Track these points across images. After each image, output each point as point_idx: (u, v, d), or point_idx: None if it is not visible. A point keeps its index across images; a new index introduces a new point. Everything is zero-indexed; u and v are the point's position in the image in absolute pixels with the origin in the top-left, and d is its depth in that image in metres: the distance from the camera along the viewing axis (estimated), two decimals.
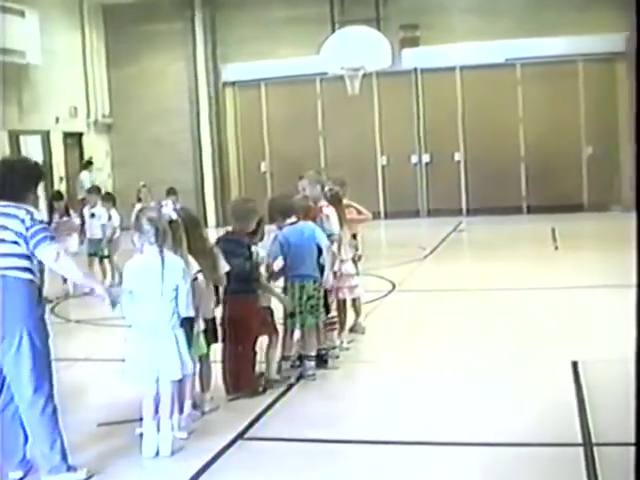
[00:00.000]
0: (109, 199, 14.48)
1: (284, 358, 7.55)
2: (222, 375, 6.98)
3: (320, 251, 7.44)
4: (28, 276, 5.15)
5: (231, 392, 6.93)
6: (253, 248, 6.95)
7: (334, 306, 8.24)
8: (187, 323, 5.88)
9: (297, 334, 7.55)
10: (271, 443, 6.02)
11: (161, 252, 5.58)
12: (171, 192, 15.19)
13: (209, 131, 23.15)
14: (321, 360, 7.68)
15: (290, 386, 7.24)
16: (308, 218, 7.68)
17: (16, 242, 5.14)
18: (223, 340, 6.93)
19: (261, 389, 7.03)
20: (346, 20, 20.78)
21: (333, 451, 5.83)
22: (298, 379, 7.35)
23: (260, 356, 7.21)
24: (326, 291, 7.77)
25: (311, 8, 21.31)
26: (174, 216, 5.97)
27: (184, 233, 5.98)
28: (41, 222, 5.21)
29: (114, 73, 22.96)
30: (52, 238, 5.20)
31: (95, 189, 14.73)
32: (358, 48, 19.03)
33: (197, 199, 22.62)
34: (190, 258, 6.03)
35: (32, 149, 20.01)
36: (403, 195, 22.06)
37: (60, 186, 20.46)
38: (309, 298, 7.38)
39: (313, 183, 8.42)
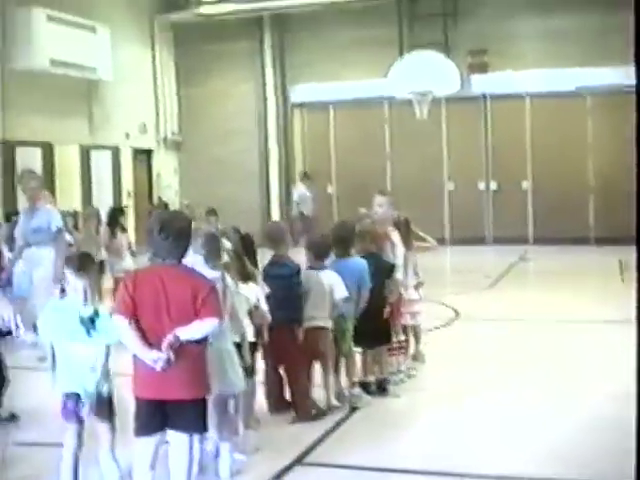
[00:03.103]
0: None
1: (353, 384, 7.50)
2: (266, 398, 7.05)
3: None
4: None
5: (273, 413, 6.99)
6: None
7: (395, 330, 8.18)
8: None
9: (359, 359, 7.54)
10: (328, 469, 5.98)
11: (217, 269, 5.60)
12: (211, 213, 15.18)
13: (277, 152, 23.26)
14: (381, 388, 7.64)
15: (352, 412, 7.20)
16: (375, 243, 7.67)
17: None
18: (266, 363, 6.95)
19: (312, 414, 6.97)
20: (414, 44, 20.73)
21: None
22: (353, 407, 7.30)
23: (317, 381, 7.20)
24: (388, 318, 7.74)
25: (379, 31, 21.31)
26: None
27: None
28: None
29: (184, 91, 23.19)
30: None
31: (162, 205, 14.87)
32: (426, 72, 18.95)
33: (263, 220, 22.67)
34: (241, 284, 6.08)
35: (102, 164, 20.29)
36: (469, 222, 21.86)
37: (128, 201, 20.71)
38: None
39: (391, 205, 8.38)
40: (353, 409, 7.26)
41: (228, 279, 5.69)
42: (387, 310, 7.71)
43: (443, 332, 10.56)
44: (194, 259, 5.48)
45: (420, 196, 20.58)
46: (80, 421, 5.10)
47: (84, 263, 5.02)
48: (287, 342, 6.83)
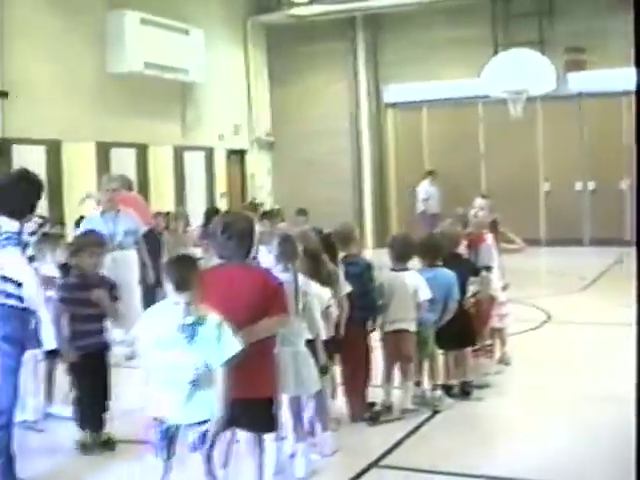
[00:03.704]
0: (267, 217, 14.66)
1: (435, 387, 7.40)
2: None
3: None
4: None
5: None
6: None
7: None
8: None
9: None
10: (404, 472, 5.88)
11: (290, 271, 5.53)
12: (301, 213, 15.15)
13: (370, 152, 23.18)
14: (463, 391, 7.52)
15: (433, 415, 7.09)
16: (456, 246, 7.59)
17: None
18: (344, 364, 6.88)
19: (365, 417, 6.87)
20: (509, 42, 20.41)
21: None
22: (435, 410, 7.18)
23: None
24: (472, 319, 7.61)
25: (473, 30, 21.05)
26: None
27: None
28: (7, 232, 5.24)
29: (276, 92, 23.29)
30: (15, 243, 5.22)
31: (250, 206, 14.93)
32: (521, 71, 18.62)
33: (355, 220, 22.63)
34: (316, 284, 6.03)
35: (196, 165, 20.50)
36: (565, 222, 21.41)
37: (221, 202, 20.88)
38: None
39: (490, 208, 8.28)
40: (435, 412, 7.14)
41: (301, 280, 5.61)
42: (471, 300, 7.56)
43: (532, 335, 10.34)
44: (268, 260, 5.46)
45: (515, 196, 20.27)
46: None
47: (184, 279, 4.42)
48: (356, 339, 6.74)
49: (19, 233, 5.26)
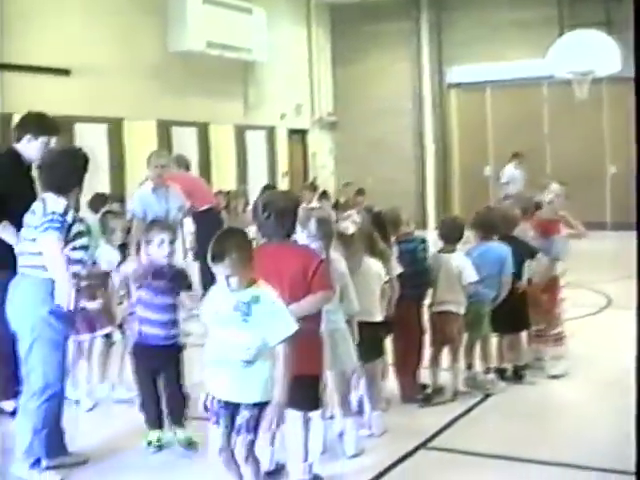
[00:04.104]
0: (325, 197, 14.68)
1: (488, 370, 7.33)
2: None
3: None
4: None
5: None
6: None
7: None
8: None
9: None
10: (451, 455, 5.84)
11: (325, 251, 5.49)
12: (359, 193, 15.14)
13: (432, 132, 23.02)
14: (517, 375, 7.44)
15: (485, 398, 7.02)
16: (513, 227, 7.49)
17: (30, 240, 5.28)
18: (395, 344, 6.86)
19: (416, 398, 6.84)
20: (575, 23, 20.04)
21: (509, 468, 5.57)
22: (487, 393, 7.11)
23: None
24: (526, 303, 7.52)
25: (538, 10, 20.71)
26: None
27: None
28: (52, 213, 5.20)
29: (339, 71, 23.22)
30: (56, 228, 5.17)
31: (310, 186, 14.93)
32: (587, 52, 18.30)
33: (417, 201, 22.55)
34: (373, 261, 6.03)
35: (257, 144, 20.55)
36: (631, 206, 20.92)
37: (283, 182, 20.92)
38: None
39: (567, 195, 8.17)
40: (487, 395, 7.08)
41: (337, 260, 5.57)
42: (522, 284, 7.45)
43: (591, 320, 10.18)
44: (302, 240, 5.44)
45: (580, 179, 19.87)
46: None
47: (219, 250, 4.30)
48: (408, 319, 6.72)
49: (64, 214, 5.23)
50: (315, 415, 5.58)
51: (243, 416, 4.37)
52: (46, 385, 5.25)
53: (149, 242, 5.89)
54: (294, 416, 4.97)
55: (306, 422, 5.04)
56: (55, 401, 5.37)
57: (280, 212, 4.92)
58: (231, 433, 4.45)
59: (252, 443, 4.43)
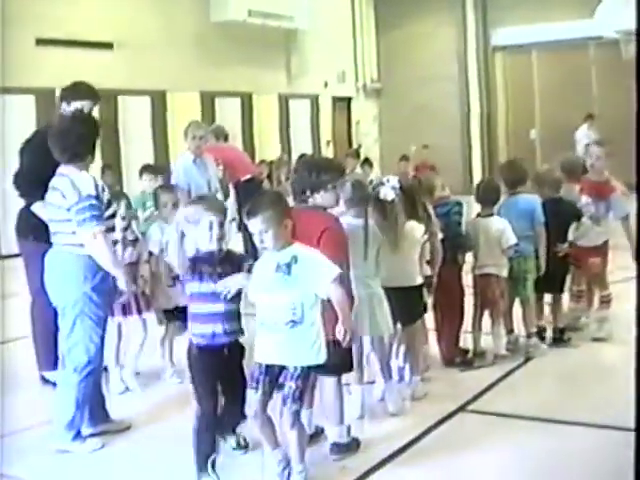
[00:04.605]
0: (367, 164, 14.65)
1: (529, 334, 7.27)
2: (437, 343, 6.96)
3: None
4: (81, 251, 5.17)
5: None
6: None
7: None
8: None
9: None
10: (490, 417, 5.84)
11: (363, 217, 5.49)
12: (403, 158, 15.07)
13: (478, 97, 22.81)
14: (559, 337, 7.40)
15: (526, 361, 7.00)
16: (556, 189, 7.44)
17: (63, 220, 5.19)
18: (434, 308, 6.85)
19: (455, 362, 6.84)
20: None
21: (550, 430, 5.53)
22: (528, 357, 7.09)
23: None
24: (567, 265, 7.47)
25: None
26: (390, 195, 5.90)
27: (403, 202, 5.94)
28: (88, 197, 5.10)
29: (382, 37, 23.05)
30: (93, 217, 5.07)
31: (353, 153, 14.90)
32: (634, 10, 17.94)
33: (463, 166, 22.41)
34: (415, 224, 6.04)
35: (301, 113, 20.53)
36: None
37: (327, 150, 20.89)
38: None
39: (608, 155, 8.08)
40: (528, 359, 7.05)
41: (372, 226, 5.57)
42: (564, 247, 7.38)
43: (634, 283, 10.03)
44: (339, 206, 5.45)
45: (629, 142, 19.61)
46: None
47: (254, 206, 4.43)
48: (448, 282, 6.70)
49: (97, 197, 5.15)
50: (352, 380, 5.65)
51: (289, 386, 4.42)
52: (89, 360, 5.31)
53: (196, 223, 4.85)
54: (328, 381, 5.00)
55: (339, 386, 5.06)
56: (96, 374, 5.46)
57: (308, 171, 4.98)
58: (269, 399, 4.51)
59: (298, 412, 4.51)
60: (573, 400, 6.09)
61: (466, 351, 7.02)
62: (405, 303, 5.90)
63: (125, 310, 6.49)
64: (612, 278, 8.49)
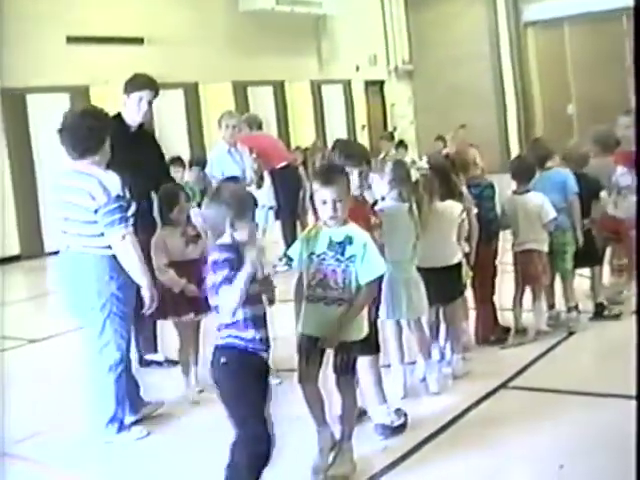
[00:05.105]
0: (402, 146, 14.63)
1: (570, 308, 7.24)
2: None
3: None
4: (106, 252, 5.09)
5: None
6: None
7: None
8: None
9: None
10: (532, 393, 5.84)
11: (407, 199, 5.50)
12: (439, 139, 15.04)
13: (511, 74, 22.65)
14: (600, 311, 7.36)
15: (567, 336, 6.97)
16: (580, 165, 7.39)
17: (88, 222, 5.05)
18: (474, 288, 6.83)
19: (490, 340, 6.84)
20: None
21: (592, 404, 5.53)
22: (570, 331, 7.05)
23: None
24: (594, 238, 7.42)
25: None
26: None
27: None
28: (117, 198, 5.00)
29: (413, 18, 22.94)
30: (122, 219, 4.99)
31: (387, 136, 14.88)
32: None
33: (500, 145, 22.26)
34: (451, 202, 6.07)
35: (334, 98, 20.50)
36: None
37: (362, 135, 20.86)
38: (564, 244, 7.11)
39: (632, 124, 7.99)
40: (570, 333, 7.02)
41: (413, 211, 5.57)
42: (585, 223, 7.31)
43: None
44: (381, 187, 5.46)
45: None
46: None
47: (330, 173, 4.45)
48: (483, 260, 6.67)
49: (122, 196, 5.06)
50: (393, 360, 5.69)
51: (341, 358, 4.47)
52: (121, 357, 5.34)
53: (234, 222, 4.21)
54: (364, 362, 4.99)
55: (373, 367, 5.07)
56: (129, 367, 5.56)
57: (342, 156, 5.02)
58: (317, 371, 4.50)
59: (351, 381, 4.61)
60: (614, 373, 6.03)
61: (507, 329, 7.01)
62: (444, 283, 5.93)
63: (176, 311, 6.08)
64: None
